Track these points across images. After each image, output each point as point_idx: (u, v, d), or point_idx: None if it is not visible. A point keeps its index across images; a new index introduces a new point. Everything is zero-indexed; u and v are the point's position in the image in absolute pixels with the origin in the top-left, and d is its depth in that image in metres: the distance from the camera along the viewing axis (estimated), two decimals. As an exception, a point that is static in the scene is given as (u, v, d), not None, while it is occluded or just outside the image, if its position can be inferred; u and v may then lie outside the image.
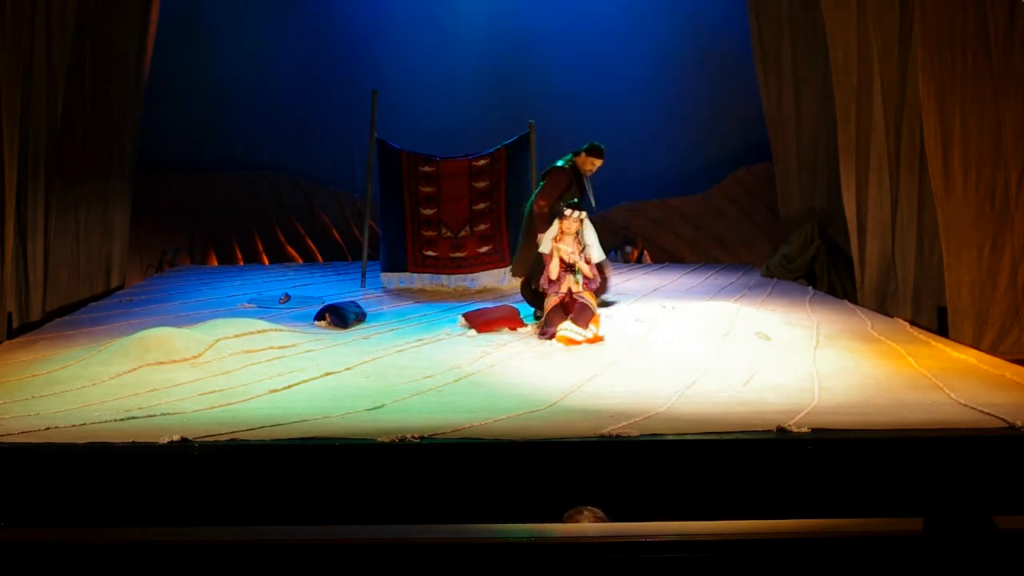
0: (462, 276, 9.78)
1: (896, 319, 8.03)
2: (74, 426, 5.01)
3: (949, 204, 8.09)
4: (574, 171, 8.17)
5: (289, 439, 4.81)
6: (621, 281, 9.89)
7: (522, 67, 13.01)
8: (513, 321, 7.76)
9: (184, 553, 3.31)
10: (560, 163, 8.20)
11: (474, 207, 9.86)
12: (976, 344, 7.76)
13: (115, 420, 5.17)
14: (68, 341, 7.27)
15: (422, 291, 9.66)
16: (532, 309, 8.05)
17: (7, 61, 8.06)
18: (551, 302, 7.50)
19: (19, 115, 8.21)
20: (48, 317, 8.76)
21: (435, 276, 9.80)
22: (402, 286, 9.81)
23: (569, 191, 8.06)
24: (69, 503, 4.59)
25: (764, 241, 12.34)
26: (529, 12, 13.06)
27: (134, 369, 6.20)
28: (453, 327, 7.79)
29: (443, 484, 4.72)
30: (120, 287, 10.31)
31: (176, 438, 4.70)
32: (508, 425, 5.07)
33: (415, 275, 9.83)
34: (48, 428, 4.98)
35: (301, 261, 12.70)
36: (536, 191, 8.31)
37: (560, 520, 4.04)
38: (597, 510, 4.08)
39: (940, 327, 8.25)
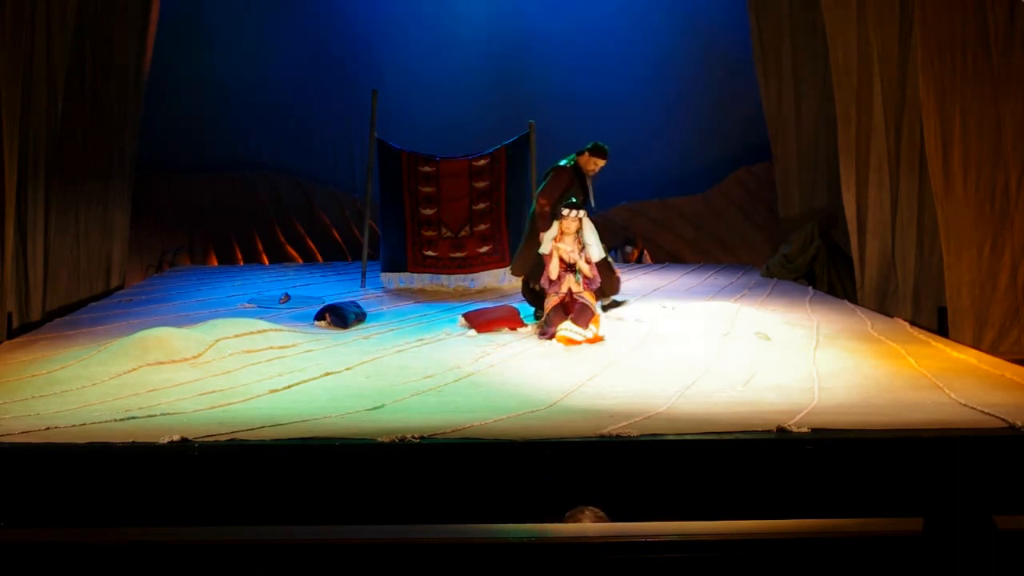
0: (462, 276, 9.78)
1: (896, 319, 8.03)
2: (74, 426, 5.01)
3: (949, 204, 8.09)
4: (576, 171, 8.16)
5: (289, 439, 4.81)
6: (622, 281, 9.87)
7: (522, 67, 13.01)
8: (513, 321, 7.76)
9: (184, 553, 3.31)
10: (563, 162, 8.20)
11: (474, 207, 9.86)
12: (976, 344, 7.76)
13: (115, 420, 5.17)
14: (68, 341, 7.27)
15: (422, 291, 9.66)
16: (532, 309, 8.05)
17: (7, 61, 8.06)
18: (551, 302, 7.50)
19: (19, 115, 8.22)
20: (48, 317, 8.76)
21: (435, 276, 9.80)
22: (402, 286, 9.81)
23: (571, 190, 8.05)
24: (69, 503, 4.59)
25: (764, 241, 12.34)
26: (529, 12, 13.05)
27: (134, 369, 6.20)
28: (453, 327, 7.79)
29: (443, 484, 4.72)
30: (120, 287, 10.30)
31: (176, 438, 4.70)
32: (508, 425, 5.07)
33: (415, 275, 9.83)
34: (48, 428, 4.98)
35: (301, 261, 12.70)
36: (538, 190, 8.31)
37: (560, 520, 4.04)
38: (598, 510, 4.08)
39: (940, 327, 8.25)
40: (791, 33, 11.08)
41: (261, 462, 4.74)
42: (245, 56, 12.83)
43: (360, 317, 8.01)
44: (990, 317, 8.07)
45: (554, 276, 7.55)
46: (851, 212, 9.14)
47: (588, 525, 3.93)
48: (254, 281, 10.41)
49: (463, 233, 9.84)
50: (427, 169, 9.93)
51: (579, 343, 7.15)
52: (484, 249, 9.79)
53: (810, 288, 9.86)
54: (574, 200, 7.74)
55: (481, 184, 9.89)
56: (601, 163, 8.19)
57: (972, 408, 5.27)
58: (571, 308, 7.41)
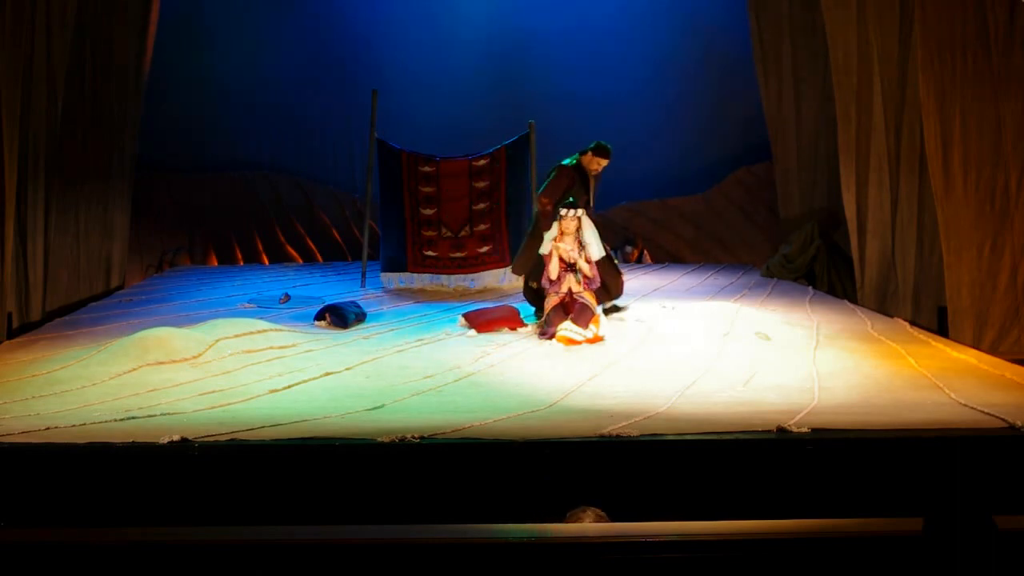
0: (462, 276, 9.78)
1: (896, 319, 8.03)
2: (74, 426, 5.02)
3: (949, 204, 8.09)
4: (579, 170, 8.16)
5: (289, 439, 4.81)
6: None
7: (522, 67, 13.00)
8: (513, 321, 7.76)
9: (184, 553, 3.31)
10: (566, 162, 8.21)
11: (474, 207, 9.86)
12: (976, 344, 7.76)
13: (115, 420, 5.17)
14: (68, 341, 7.27)
15: (422, 291, 9.66)
16: (532, 309, 8.05)
17: (7, 61, 8.06)
18: (551, 302, 7.51)
19: (19, 115, 8.22)
20: (48, 317, 8.76)
21: (435, 276, 9.81)
22: (402, 286, 9.81)
23: (572, 189, 8.06)
24: (69, 503, 4.59)
25: (764, 241, 12.34)
26: (529, 12, 13.05)
27: (134, 369, 6.20)
28: (453, 327, 7.79)
29: (443, 484, 4.72)
30: (120, 287, 10.31)
31: (176, 438, 4.70)
32: (508, 425, 5.07)
33: (415, 275, 9.83)
34: (48, 428, 4.98)
35: (301, 261, 12.70)
36: (540, 189, 8.31)
37: (561, 520, 4.04)
38: (599, 510, 4.08)
39: (940, 327, 8.25)
40: (791, 33, 11.08)
41: (261, 462, 4.74)
42: (245, 56, 12.83)
43: (360, 317, 8.01)
44: (990, 317, 8.07)
45: (554, 276, 7.55)
46: (851, 212, 9.14)
47: (588, 525, 3.93)
48: (254, 281, 10.41)
49: (463, 233, 9.84)
50: (427, 169, 9.93)
51: (579, 343, 7.15)
52: (484, 249, 9.79)
53: (810, 288, 9.86)
54: (572, 200, 7.74)
55: (481, 184, 9.89)
56: (604, 162, 8.18)
57: (972, 408, 5.27)
58: (571, 308, 7.41)
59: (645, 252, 12.76)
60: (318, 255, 12.87)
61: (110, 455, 4.68)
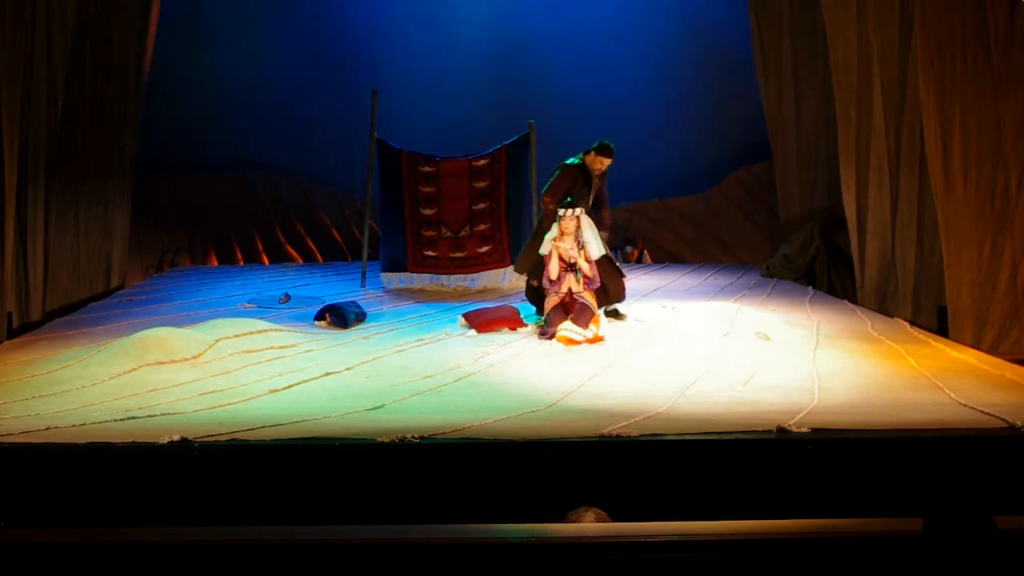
0: (462, 276, 9.78)
1: (896, 319, 8.03)
2: (74, 426, 5.01)
3: (949, 204, 8.09)
4: (582, 169, 8.17)
5: (289, 439, 4.81)
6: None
7: (522, 67, 13.01)
8: (513, 321, 7.76)
9: (184, 553, 3.31)
10: (570, 161, 8.21)
11: (474, 207, 9.86)
12: (976, 344, 7.76)
13: (115, 420, 5.17)
14: (68, 341, 7.27)
15: (422, 291, 9.66)
16: (533, 309, 8.05)
17: (7, 61, 8.06)
18: (551, 302, 7.51)
19: (19, 115, 8.22)
20: (48, 317, 8.76)
21: (435, 276, 9.81)
22: (402, 286, 9.81)
23: (575, 189, 8.07)
24: (69, 503, 4.59)
25: (764, 241, 12.34)
26: (529, 12, 13.05)
27: (134, 369, 6.20)
28: (453, 327, 7.79)
29: (443, 484, 4.72)
30: (120, 287, 10.31)
31: (176, 438, 4.70)
32: (508, 425, 5.07)
33: (415, 275, 9.83)
34: (48, 428, 4.98)
35: (301, 261, 12.70)
36: (543, 189, 8.32)
37: (561, 520, 4.04)
38: (600, 511, 4.08)
39: (940, 327, 8.25)
40: (791, 33, 11.08)
41: (261, 462, 4.74)
42: (245, 56, 12.83)
43: (360, 317, 8.01)
44: (990, 317, 8.07)
45: (554, 276, 7.55)
46: (851, 212, 9.14)
47: (588, 525, 3.94)
48: (254, 281, 10.41)
49: (463, 233, 9.84)
50: (427, 169, 9.93)
51: (579, 343, 7.15)
52: (484, 249, 9.79)
53: (810, 288, 9.87)
54: (570, 200, 7.74)
55: (481, 184, 9.89)
56: (607, 162, 8.18)
57: (972, 408, 5.27)
58: (571, 308, 7.41)
59: (645, 252, 12.76)
60: (318, 255, 12.88)
61: (110, 455, 4.68)
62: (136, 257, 11.76)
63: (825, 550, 3.37)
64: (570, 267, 7.54)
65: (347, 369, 6.43)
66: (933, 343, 7.09)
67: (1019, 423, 4.92)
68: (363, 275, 10.15)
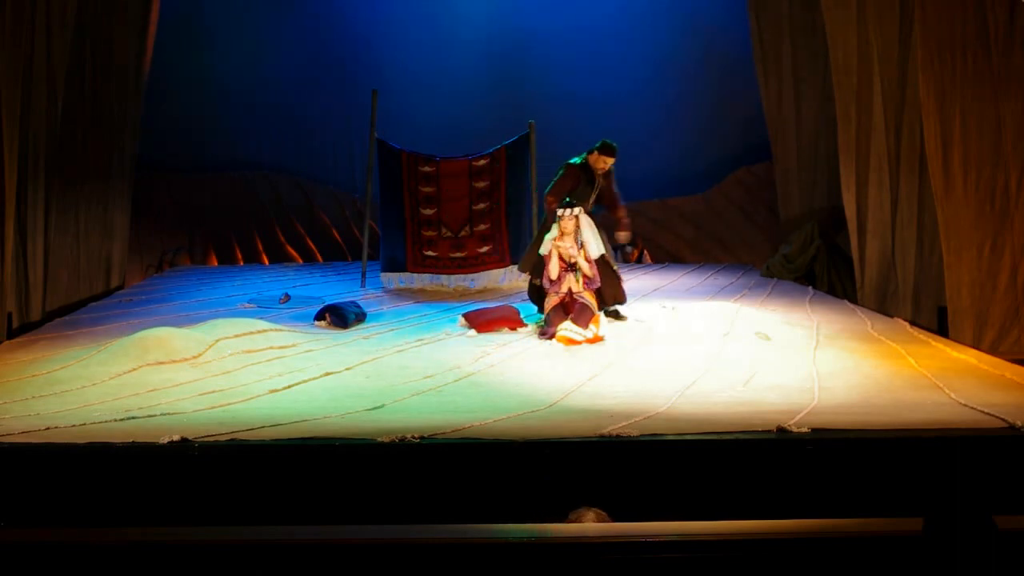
0: (462, 276, 9.78)
1: (896, 319, 8.04)
2: (74, 426, 5.02)
3: (949, 204, 8.09)
4: (585, 169, 8.17)
5: (289, 439, 4.81)
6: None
7: (522, 67, 13.00)
8: (513, 321, 7.76)
9: (184, 553, 3.31)
10: (574, 161, 8.22)
11: (474, 207, 9.86)
12: (976, 344, 7.76)
13: (115, 420, 5.17)
14: (68, 341, 7.27)
15: (422, 291, 9.66)
16: (533, 308, 8.05)
17: (7, 61, 8.06)
18: (551, 302, 7.51)
19: (19, 115, 8.22)
20: (48, 317, 8.76)
21: (435, 276, 9.81)
22: (402, 286, 9.81)
23: (578, 189, 8.07)
24: (69, 503, 4.59)
25: (764, 241, 12.34)
26: (529, 12, 13.05)
27: (134, 369, 6.20)
28: (453, 327, 7.79)
29: (443, 484, 4.72)
30: (120, 287, 10.31)
31: (176, 438, 4.70)
32: (508, 425, 5.07)
33: (415, 275, 9.83)
34: (48, 428, 4.98)
35: (301, 261, 12.70)
36: (547, 189, 8.32)
37: (561, 520, 4.04)
38: (601, 511, 4.08)
39: (940, 327, 8.25)
40: (791, 33, 11.08)
41: (261, 462, 4.74)
42: (245, 56, 12.83)
43: (360, 317, 8.01)
44: (990, 317, 8.07)
45: (554, 276, 7.55)
46: (851, 212, 9.13)
47: (588, 525, 3.94)
48: (254, 281, 10.41)
49: (463, 233, 9.84)
50: (427, 169, 9.93)
51: (579, 343, 7.15)
52: (484, 249, 9.79)
53: (810, 288, 9.87)
54: (569, 200, 7.74)
55: (481, 184, 9.89)
56: (610, 161, 8.18)
57: (972, 408, 5.27)
58: (571, 308, 7.41)
59: (645, 252, 12.76)
60: (318, 255, 12.87)
61: (110, 455, 4.68)
62: (136, 257, 11.76)
63: (825, 550, 3.37)
64: (570, 267, 7.54)
65: (347, 369, 6.43)
66: (933, 343, 7.09)
67: (1019, 423, 4.92)
68: (363, 275, 10.15)
